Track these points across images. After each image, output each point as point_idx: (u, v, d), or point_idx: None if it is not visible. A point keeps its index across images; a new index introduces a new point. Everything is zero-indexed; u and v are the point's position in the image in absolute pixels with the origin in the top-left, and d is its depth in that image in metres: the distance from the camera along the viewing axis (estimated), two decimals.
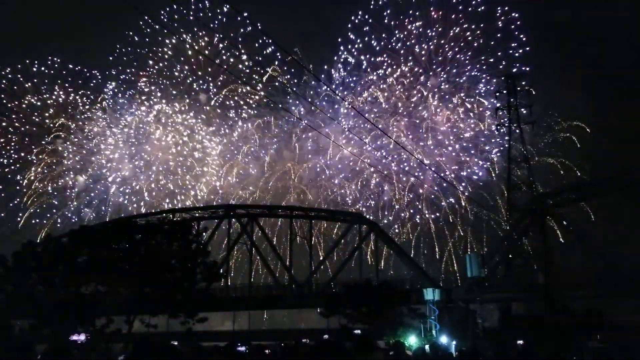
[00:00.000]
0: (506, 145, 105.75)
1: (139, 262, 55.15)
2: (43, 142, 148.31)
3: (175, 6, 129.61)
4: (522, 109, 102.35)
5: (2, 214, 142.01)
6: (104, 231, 60.78)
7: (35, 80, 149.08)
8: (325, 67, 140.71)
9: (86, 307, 54.32)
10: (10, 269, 57.06)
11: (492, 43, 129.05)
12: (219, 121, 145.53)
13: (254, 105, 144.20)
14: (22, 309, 58.25)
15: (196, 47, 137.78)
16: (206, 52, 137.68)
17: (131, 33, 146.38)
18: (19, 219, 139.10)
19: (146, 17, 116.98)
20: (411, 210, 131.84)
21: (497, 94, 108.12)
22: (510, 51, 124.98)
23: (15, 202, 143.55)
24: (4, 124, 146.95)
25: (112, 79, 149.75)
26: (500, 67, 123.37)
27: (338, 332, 70.87)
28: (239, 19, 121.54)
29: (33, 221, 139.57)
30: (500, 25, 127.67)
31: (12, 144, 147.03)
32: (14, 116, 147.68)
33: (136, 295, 55.22)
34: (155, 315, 56.87)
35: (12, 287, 57.60)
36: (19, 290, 56.82)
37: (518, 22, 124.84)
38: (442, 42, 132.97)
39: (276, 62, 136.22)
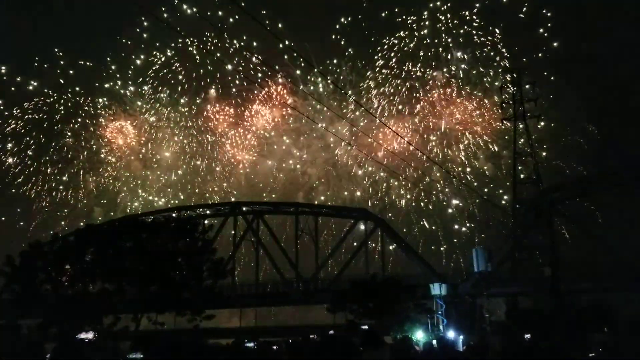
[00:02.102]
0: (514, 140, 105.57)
1: (145, 260, 55.29)
2: (51, 150, 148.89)
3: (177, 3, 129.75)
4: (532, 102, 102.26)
5: (21, 221, 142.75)
6: (111, 230, 61.00)
7: (35, 84, 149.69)
8: (335, 61, 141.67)
9: (93, 305, 54.52)
10: (18, 268, 57.29)
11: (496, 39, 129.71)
12: (228, 121, 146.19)
13: (260, 105, 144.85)
14: (30, 308, 58.43)
15: (205, 50, 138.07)
16: (217, 56, 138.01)
17: (124, 38, 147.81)
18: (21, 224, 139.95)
19: (158, 18, 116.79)
20: (422, 205, 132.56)
21: (502, 89, 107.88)
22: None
23: (25, 206, 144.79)
24: (8, 129, 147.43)
25: (119, 80, 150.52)
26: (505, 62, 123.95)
27: (345, 328, 70.92)
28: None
29: (43, 218, 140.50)
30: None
31: (17, 151, 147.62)
32: (19, 122, 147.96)
33: (143, 293, 55.41)
34: (163, 313, 57.00)
35: (20, 286, 57.83)
36: (27, 289, 57.04)
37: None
38: (450, 39, 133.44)
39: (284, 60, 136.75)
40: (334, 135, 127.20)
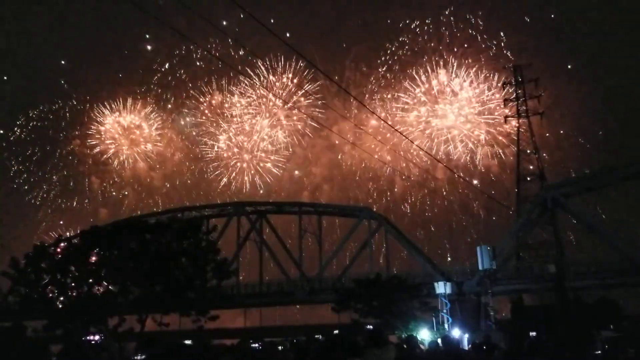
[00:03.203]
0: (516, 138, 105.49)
1: (149, 261, 55.34)
2: (56, 157, 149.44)
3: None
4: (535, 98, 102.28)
5: (27, 228, 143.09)
6: (115, 231, 60.98)
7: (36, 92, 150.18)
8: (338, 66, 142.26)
9: (98, 306, 54.59)
10: (23, 270, 57.40)
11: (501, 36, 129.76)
12: (231, 121, 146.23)
13: (265, 106, 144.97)
14: (35, 310, 58.58)
15: (210, 54, 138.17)
16: (221, 61, 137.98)
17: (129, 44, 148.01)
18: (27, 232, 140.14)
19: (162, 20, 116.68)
20: (426, 206, 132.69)
21: (504, 85, 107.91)
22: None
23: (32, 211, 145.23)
24: (12, 137, 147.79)
25: (124, 85, 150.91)
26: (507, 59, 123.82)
27: (349, 327, 70.88)
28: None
29: (48, 225, 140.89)
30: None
31: (23, 159, 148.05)
32: (23, 129, 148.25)
33: (148, 294, 55.43)
34: (167, 313, 57.08)
35: (25, 288, 57.96)
36: (32, 291, 57.15)
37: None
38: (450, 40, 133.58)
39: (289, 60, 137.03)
40: (336, 134, 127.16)
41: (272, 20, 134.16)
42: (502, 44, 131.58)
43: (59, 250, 61.18)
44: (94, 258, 57.42)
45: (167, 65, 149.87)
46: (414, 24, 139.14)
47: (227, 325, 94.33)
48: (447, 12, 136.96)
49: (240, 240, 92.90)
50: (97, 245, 57.70)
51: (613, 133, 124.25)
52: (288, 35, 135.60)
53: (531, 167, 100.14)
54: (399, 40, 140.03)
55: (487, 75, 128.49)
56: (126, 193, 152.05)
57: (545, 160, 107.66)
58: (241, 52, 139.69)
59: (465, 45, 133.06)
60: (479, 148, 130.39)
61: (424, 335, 69.35)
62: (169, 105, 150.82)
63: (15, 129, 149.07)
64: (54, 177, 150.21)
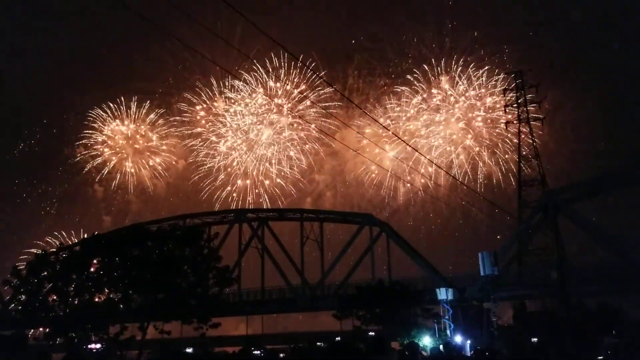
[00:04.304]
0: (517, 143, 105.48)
1: (151, 268, 55.33)
2: (59, 169, 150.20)
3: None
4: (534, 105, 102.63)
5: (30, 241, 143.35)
6: (117, 239, 61.01)
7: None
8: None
9: (100, 315, 54.55)
10: (24, 279, 57.42)
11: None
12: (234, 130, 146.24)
13: (267, 114, 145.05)
14: (37, 318, 58.53)
15: (219, 66, 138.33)
16: (224, 69, 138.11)
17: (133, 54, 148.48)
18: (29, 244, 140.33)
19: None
20: (430, 214, 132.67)
21: (506, 91, 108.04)
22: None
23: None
24: (16, 151, 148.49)
25: (128, 92, 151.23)
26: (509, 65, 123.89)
27: (352, 334, 70.78)
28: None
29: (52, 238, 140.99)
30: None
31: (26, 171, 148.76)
32: (26, 142, 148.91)
33: (149, 302, 55.38)
34: (169, 321, 57.01)
35: (26, 297, 57.97)
36: (33, 300, 57.15)
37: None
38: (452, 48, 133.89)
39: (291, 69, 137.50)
40: (341, 143, 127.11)
41: (276, 31, 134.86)
42: (505, 57, 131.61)
43: (60, 258, 61.15)
44: (96, 266, 57.46)
45: (170, 75, 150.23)
46: (415, 37, 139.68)
47: (229, 333, 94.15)
48: (449, 25, 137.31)
49: (242, 247, 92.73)
50: (99, 253, 57.70)
51: (613, 139, 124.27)
52: (293, 50, 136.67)
53: (530, 163, 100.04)
54: (402, 50, 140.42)
55: (487, 85, 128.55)
56: (129, 206, 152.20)
57: (546, 166, 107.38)
58: (245, 65, 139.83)
59: (467, 57, 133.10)
60: (480, 155, 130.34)
61: (426, 341, 69.26)
62: (172, 114, 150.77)
63: (19, 142, 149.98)
64: (58, 188, 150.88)
